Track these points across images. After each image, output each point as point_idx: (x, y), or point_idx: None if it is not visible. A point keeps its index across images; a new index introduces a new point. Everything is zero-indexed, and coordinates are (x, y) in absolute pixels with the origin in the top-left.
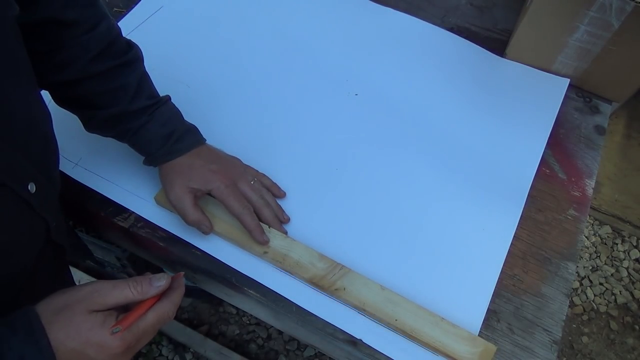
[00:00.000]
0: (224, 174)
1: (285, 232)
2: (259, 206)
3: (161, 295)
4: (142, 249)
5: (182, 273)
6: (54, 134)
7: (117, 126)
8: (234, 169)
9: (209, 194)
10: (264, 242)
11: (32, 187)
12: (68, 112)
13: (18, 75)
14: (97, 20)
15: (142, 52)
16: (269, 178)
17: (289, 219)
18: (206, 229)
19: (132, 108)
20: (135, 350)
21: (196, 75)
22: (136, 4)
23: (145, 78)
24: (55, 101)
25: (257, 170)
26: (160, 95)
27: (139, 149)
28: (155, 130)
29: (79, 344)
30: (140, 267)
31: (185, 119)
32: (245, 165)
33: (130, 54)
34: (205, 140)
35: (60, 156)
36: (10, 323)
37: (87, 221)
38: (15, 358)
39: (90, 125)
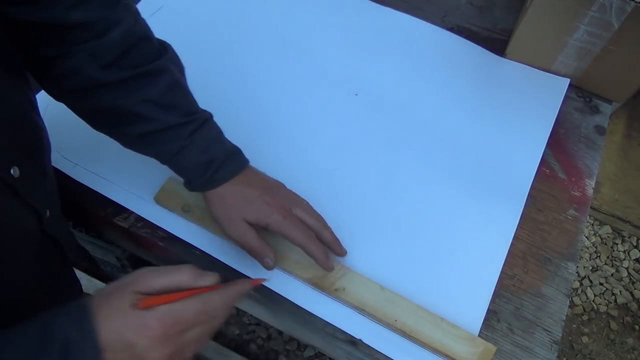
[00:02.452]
0: (279, 204)
1: (346, 252)
2: (319, 230)
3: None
4: (142, 249)
5: (262, 280)
6: (41, 123)
7: (152, 147)
8: (287, 196)
9: (266, 228)
10: (331, 269)
11: (15, 172)
12: (67, 111)
13: None
14: (110, 25)
15: (178, 62)
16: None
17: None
18: (270, 262)
19: (160, 126)
20: (183, 348)
21: (196, 75)
22: (136, 4)
23: (177, 92)
24: (78, 114)
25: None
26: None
27: (178, 173)
28: (194, 158)
29: (120, 325)
30: (141, 267)
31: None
32: (288, 189)
33: (156, 63)
34: (249, 162)
35: (60, 156)
36: (65, 307)
37: (87, 221)
38: (60, 340)
39: (123, 143)
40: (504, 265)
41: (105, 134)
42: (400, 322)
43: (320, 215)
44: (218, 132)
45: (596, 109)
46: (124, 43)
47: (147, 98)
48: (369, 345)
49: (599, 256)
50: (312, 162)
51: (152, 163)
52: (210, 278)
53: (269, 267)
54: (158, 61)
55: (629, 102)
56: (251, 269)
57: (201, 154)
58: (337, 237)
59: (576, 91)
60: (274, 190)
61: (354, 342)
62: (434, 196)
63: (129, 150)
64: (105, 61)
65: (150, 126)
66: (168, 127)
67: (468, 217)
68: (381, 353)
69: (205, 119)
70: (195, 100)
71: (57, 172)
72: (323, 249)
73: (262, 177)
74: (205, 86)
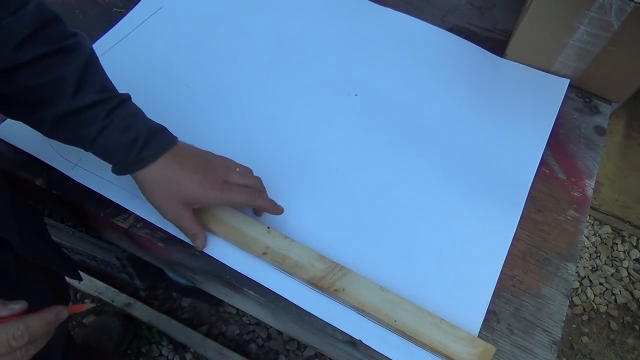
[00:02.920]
0: (213, 180)
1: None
2: (259, 187)
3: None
4: (142, 250)
5: (82, 306)
6: None
7: (71, 131)
8: (218, 168)
9: (208, 206)
10: (282, 211)
11: None
12: None
13: None
14: (23, 1)
15: (90, 43)
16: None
17: None
18: (199, 244)
19: (77, 105)
20: None
21: (196, 75)
22: (136, 4)
23: (93, 70)
24: None
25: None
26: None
27: (104, 158)
28: (116, 138)
29: None
30: (140, 267)
31: (150, 118)
32: (220, 156)
33: (71, 39)
34: (177, 138)
35: (60, 157)
36: None
37: (87, 221)
38: None
39: (44, 131)
40: (503, 265)
41: (23, 122)
42: (400, 322)
43: (253, 175)
44: (139, 111)
45: (596, 110)
46: (38, 18)
47: (65, 75)
48: (368, 346)
49: (599, 256)
50: (312, 162)
51: None
52: (13, 307)
53: (198, 248)
54: (74, 38)
55: (629, 102)
56: (253, 270)
57: (123, 133)
58: (336, 237)
59: (576, 91)
60: (205, 166)
61: (353, 342)
62: (433, 196)
63: None
64: (21, 37)
65: (67, 106)
66: (85, 107)
67: (468, 217)
68: (381, 354)
69: (124, 99)
70: (111, 82)
71: (57, 172)
72: (268, 199)
73: (191, 154)
74: (205, 86)
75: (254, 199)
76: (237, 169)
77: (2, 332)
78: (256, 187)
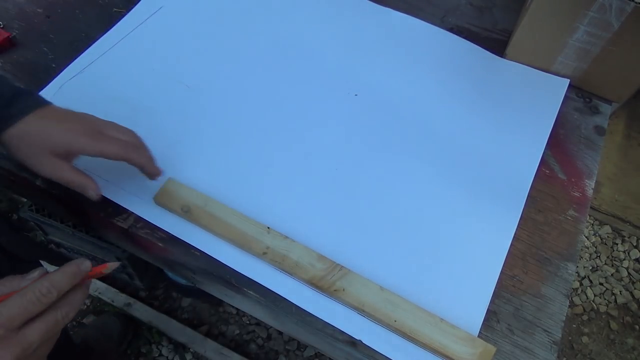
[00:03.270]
0: (85, 128)
1: (161, 171)
2: (137, 144)
3: None
4: (142, 250)
5: (106, 265)
6: None
7: None
8: (94, 121)
9: (79, 154)
10: (159, 174)
11: None
12: None
13: None
14: None
15: None
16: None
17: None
18: (93, 193)
19: None
20: (30, 345)
21: (196, 75)
22: (136, 4)
23: None
24: None
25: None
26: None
27: None
28: None
29: None
30: (140, 267)
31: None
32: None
33: None
34: (51, 103)
35: None
36: None
37: (87, 221)
38: None
39: None
40: (503, 265)
41: None
42: (400, 322)
43: (133, 132)
44: (1, 76)
45: (596, 110)
46: None
47: None
48: (368, 346)
49: (599, 256)
50: (312, 162)
51: None
52: (32, 275)
53: (93, 198)
54: None
55: (629, 103)
56: (253, 270)
57: None
58: (336, 237)
59: (576, 91)
60: (78, 117)
61: (353, 342)
62: (433, 196)
63: None
64: None
65: None
66: None
67: (468, 217)
68: (381, 354)
69: None
70: None
71: None
72: (146, 156)
73: (64, 111)
74: (205, 86)
75: (129, 152)
76: (114, 125)
77: (31, 290)
78: (133, 142)
